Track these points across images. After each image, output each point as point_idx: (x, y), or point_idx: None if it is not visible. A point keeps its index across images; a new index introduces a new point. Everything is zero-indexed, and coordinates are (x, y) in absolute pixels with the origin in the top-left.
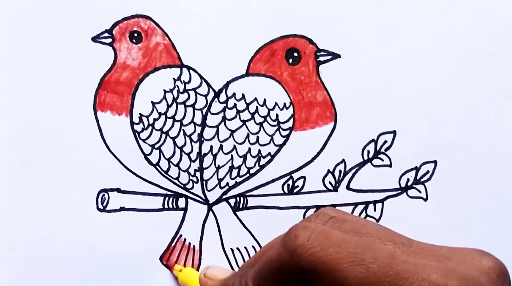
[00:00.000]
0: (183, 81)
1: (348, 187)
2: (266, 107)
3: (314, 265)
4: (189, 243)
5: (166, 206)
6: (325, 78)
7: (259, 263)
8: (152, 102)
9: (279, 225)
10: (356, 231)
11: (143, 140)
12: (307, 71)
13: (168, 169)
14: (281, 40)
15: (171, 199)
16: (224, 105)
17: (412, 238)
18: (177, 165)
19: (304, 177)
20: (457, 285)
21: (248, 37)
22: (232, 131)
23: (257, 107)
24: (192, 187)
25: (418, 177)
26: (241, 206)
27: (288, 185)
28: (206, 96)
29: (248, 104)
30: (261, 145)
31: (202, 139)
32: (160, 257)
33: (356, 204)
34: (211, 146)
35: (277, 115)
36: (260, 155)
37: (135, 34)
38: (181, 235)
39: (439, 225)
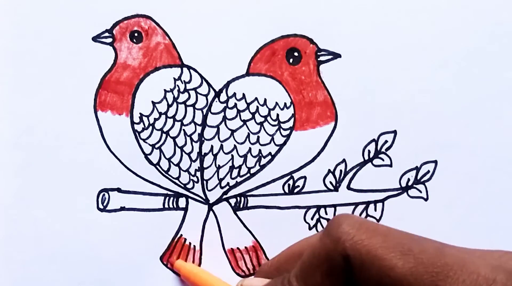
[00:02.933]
0: (184, 80)
1: (348, 187)
2: (267, 106)
3: (360, 253)
4: (190, 243)
5: (166, 206)
6: (326, 78)
7: (302, 259)
8: (152, 102)
9: (279, 225)
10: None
11: (144, 140)
12: (308, 71)
13: (169, 169)
14: (282, 39)
15: (171, 199)
16: (225, 104)
17: None
18: (178, 165)
19: (305, 177)
20: (505, 279)
21: (249, 36)
22: (233, 131)
23: (257, 107)
24: (193, 187)
25: (418, 177)
26: (241, 206)
27: (289, 185)
28: (206, 95)
29: (248, 104)
30: (262, 145)
31: (203, 139)
32: (161, 257)
33: (356, 204)
34: (212, 146)
35: (277, 115)
36: (260, 155)
37: (136, 34)
38: (181, 235)
39: (439, 225)
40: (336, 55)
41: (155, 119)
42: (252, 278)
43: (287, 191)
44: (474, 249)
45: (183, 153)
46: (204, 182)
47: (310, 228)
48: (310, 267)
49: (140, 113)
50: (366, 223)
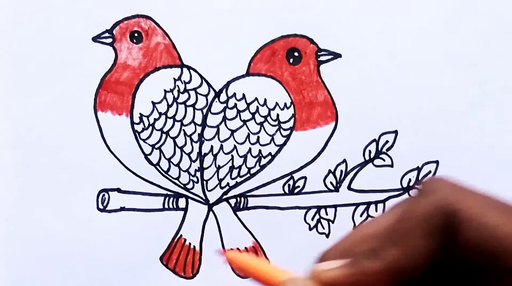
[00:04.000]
0: (184, 81)
1: (349, 188)
2: (267, 107)
3: (466, 208)
4: (189, 243)
5: (166, 206)
6: (326, 78)
7: (388, 228)
8: (152, 102)
9: (279, 226)
10: None
11: (144, 140)
12: (308, 71)
13: (169, 169)
14: (282, 40)
15: (171, 199)
16: (225, 105)
17: None
18: (178, 165)
19: (305, 177)
20: None
21: (249, 37)
22: (233, 131)
23: (257, 107)
24: (193, 187)
25: (420, 177)
26: (241, 206)
27: (289, 185)
28: (206, 96)
29: (248, 104)
30: (262, 145)
31: (203, 139)
32: (160, 257)
33: (357, 205)
34: (212, 146)
35: (277, 115)
36: (260, 155)
37: (136, 34)
38: (181, 235)
39: None
40: (336, 55)
41: (155, 119)
42: (327, 262)
43: (287, 191)
44: None
45: (183, 153)
46: (204, 182)
47: (310, 229)
48: (404, 229)
49: (140, 113)
50: (462, 184)
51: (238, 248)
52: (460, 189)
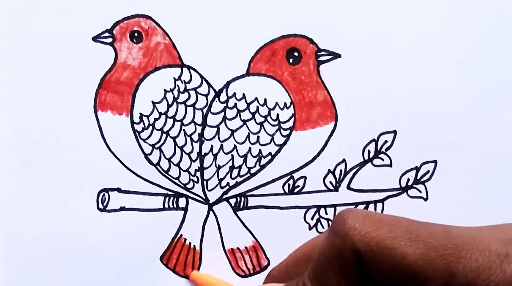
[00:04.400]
0: (184, 80)
1: (348, 187)
2: (267, 106)
3: (369, 245)
4: (190, 243)
5: (166, 206)
6: (326, 78)
7: (312, 261)
8: (152, 101)
9: (279, 225)
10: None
11: (144, 140)
12: (308, 71)
13: (169, 169)
14: (282, 39)
15: (171, 199)
16: (225, 104)
17: None
18: (178, 165)
19: (305, 177)
20: None
21: (249, 36)
22: (233, 131)
23: (257, 107)
24: (193, 187)
25: (418, 177)
26: (241, 206)
27: (289, 185)
28: (206, 95)
29: (248, 104)
30: (262, 145)
31: (203, 139)
32: (161, 257)
33: (356, 204)
34: (212, 146)
35: (277, 115)
36: (260, 154)
37: (136, 34)
38: (181, 235)
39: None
40: (336, 55)
41: (155, 119)
42: (264, 285)
43: (287, 191)
44: (481, 227)
45: (183, 153)
46: (204, 182)
47: (310, 228)
48: (322, 267)
49: (140, 113)
50: (371, 215)
51: (238, 248)
52: (369, 221)
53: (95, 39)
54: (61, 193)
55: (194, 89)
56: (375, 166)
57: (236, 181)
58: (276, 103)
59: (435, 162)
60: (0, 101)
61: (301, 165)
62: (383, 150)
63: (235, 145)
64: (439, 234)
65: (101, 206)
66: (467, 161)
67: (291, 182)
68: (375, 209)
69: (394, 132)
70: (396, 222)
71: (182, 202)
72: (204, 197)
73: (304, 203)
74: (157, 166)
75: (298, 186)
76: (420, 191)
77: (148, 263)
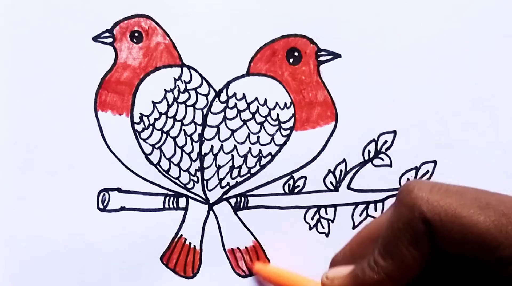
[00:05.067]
0: (184, 80)
1: (349, 187)
2: (267, 106)
3: (438, 214)
4: (190, 243)
5: (166, 206)
6: (326, 78)
7: (382, 236)
8: (152, 101)
9: (279, 225)
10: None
11: (144, 140)
12: (308, 71)
13: (169, 169)
14: (282, 39)
15: (171, 199)
16: (225, 104)
17: None
18: (178, 164)
19: (305, 177)
20: None
21: (249, 36)
22: (233, 131)
23: (257, 107)
24: (193, 187)
25: (418, 177)
26: (241, 206)
27: (289, 185)
28: (206, 95)
29: (248, 104)
30: (262, 145)
31: (203, 138)
32: (161, 257)
33: (357, 204)
34: (212, 146)
35: (277, 114)
36: (260, 154)
37: (136, 34)
38: (181, 235)
39: None
40: (336, 55)
41: (155, 119)
42: (335, 268)
43: (287, 191)
44: None
45: (183, 153)
46: (204, 182)
47: (310, 228)
48: (392, 241)
49: (140, 113)
50: (437, 185)
51: (238, 248)
52: (436, 191)
53: (95, 39)
54: (61, 193)
55: (194, 89)
56: (375, 166)
57: (236, 181)
58: (276, 103)
59: (434, 162)
60: (0, 101)
61: (301, 165)
62: (383, 150)
63: (235, 145)
64: (509, 201)
65: (101, 206)
66: (467, 161)
67: (291, 182)
68: (375, 209)
69: (394, 132)
70: (463, 191)
71: (182, 202)
72: (204, 197)
73: (304, 203)
74: (157, 166)
75: (298, 186)
76: None
77: (148, 263)
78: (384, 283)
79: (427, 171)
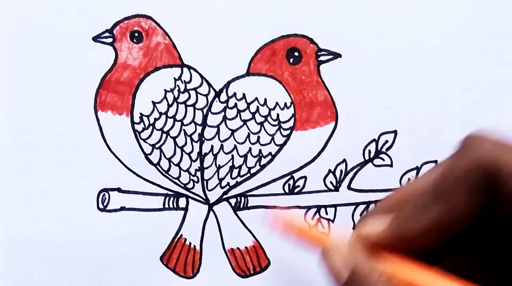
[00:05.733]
0: (184, 80)
1: (349, 187)
2: (267, 106)
3: (506, 165)
4: (190, 243)
5: (166, 206)
6: (326, 77)
7: (434, 183)
8: (152, 101)
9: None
10: None
11: (144, 140)
12: (308, 71)
13: (169, 169)
14: (282, 39)
15: (171, 199)
16: (225, 104)
17: None
18: (178, 164)
19: (305, 177)
20: None
21: (249, 36)
22: (233, 131)
23: (257, 107)
24: (193, 187)
25: None
26: (241, 206)
27: (289, 185)
28: (206, 95)
29: (248, 104)
30: (262, 145)
31: (203, 138)
32: (161, 257)
33: (357, 204)
34: (212, 146)
35: (278, 114)
36: (261, 154)
37: (136, 34)
38: (181, 235)
39: None
40: (337, 55)
41: (155, 119)
42: (367, 220)
43: (287, 191)
44: None
45: (183, 153)
46: (204, 182)
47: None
48: (447, 186)
49: (140, 113)
50: (503, 139)
51: (238, 248)
52: (501, 144)
53: (95, 39)
54: (61, 193)
55: (194, 89)
56: (376, 166)
57: (236, 181)
58: (277, 103)
59: (435, 162)
60: (1, 101)
61: (302, 165)
62: (383, 150)
63: (235, 145)
64: None
65: (101, 206)
66: None
67: (291, 182)
68: None
69: (395, 132)
70: None
71: (182, 202)
72: (204, 197)
73: (305, 203)
74: (157, 166)
75: (299, 186)
76: None
77: (148, 263)
78: (430, 233)
79: None
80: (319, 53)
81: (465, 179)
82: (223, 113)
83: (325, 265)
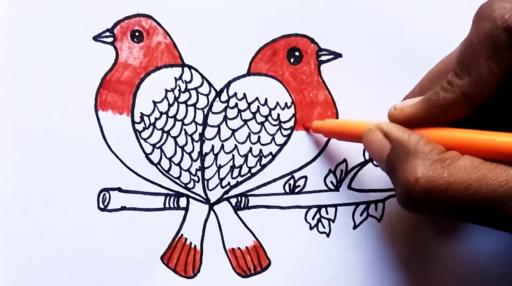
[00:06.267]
0: (185, 80)
1: (349, 187)
2: (268, 106)
3: None
4: (190, 243)
5: (167, 205)
6: (327, 77)
7: (458, 55)
8: (153, 101)
9: (280, 225)
10: None
11: (144, 140)
12: (309, 71)
13: (169, 169)
14: (283, 39)
15: (172, 198)
16: (226, 104)
17: (412, 237)
18: (178, 164)
19: (306, 177)
20: None
21: (250, 36)
22: (234, 131)
23: (258, 107)
24: (193, 187)
25: None
26: (242, 206)
27: (290, 184)
28: (207, 95)
29: (249, 104)
30: (263, 145)
31: (204, 138)
32: (161, 256)
33: (357, 204)
34: (213, 146)
35: (278, 114)
36: (261, 154)
37: (137, 33)
38: (182, 235)
39: (439, 224)
40: (337, 55)
41: (156, 119)
42: (404, 101)
43: (288, 190)
44: None
45: (184, 152)
46: (205, 181)
47: (311, 228)
48: (471, 55)
49: (141, 113)
50: None
51: (239, 248)
52: None
53: (96, 38)
54: (61, 193)
55: (195, 88)
56: (376, 166)
57: (237, 181)
58: (277, 103)
59: None
60: (1, 101)
61: (302, 165)
62: None
63: (236, 145)
64: None
65: (101, 206)
66: None
67: (292, 181)
68: (376, 209)
69: None
70: None
71: (182, 201)
72: (205, 197)
73: (305, 203)
74: (158, 166)
75: (299, 185)
76: None
77: (148, 263)
78: (459, 103)
79: None
80: (319, 53)
81: (488, 42)
82: (223, 113)
83: (368, 145)
